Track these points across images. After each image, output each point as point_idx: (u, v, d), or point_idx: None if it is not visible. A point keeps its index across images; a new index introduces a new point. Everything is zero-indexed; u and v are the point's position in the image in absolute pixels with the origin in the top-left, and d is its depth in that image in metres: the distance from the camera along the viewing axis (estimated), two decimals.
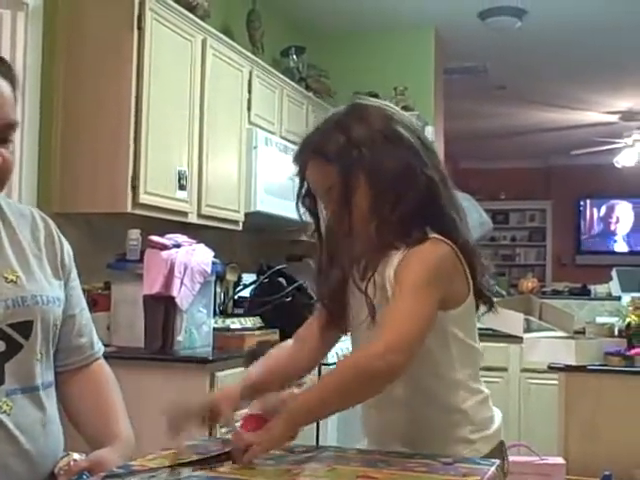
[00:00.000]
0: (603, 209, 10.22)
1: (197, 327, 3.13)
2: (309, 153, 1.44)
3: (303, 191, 1.48)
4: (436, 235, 1.37)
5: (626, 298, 3.61)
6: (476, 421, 1.42)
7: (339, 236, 1.42)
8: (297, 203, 1.49)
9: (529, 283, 6.28)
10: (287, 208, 4.32)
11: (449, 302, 1.37)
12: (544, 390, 4.11)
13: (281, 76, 4.42)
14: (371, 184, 1.38)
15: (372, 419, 1.49)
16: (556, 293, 6.89)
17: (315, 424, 3.96)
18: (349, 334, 1.55)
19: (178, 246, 3.05)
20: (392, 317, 1.30)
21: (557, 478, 1.42)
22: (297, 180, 1.48)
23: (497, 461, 1.24)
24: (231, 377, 3.16)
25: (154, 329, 2.99)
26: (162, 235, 3.09)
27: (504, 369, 4.51)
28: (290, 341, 1.58)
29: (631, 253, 9.69)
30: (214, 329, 3.27)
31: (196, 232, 3.39)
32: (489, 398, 1.47)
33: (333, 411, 1.36)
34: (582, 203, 10.24)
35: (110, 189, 3.05)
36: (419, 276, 1.32)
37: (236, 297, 3.72)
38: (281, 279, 3.72)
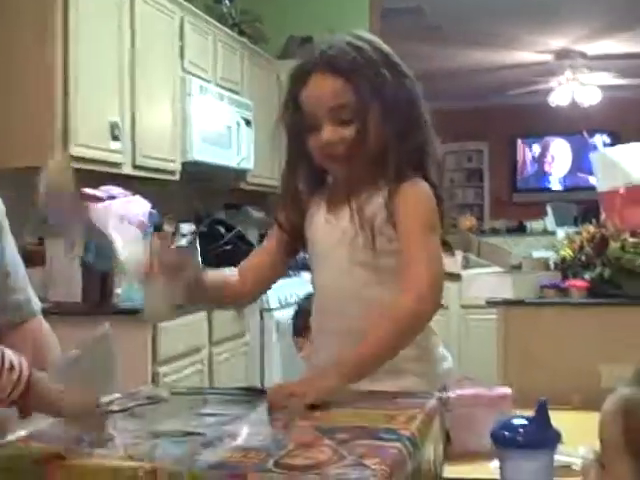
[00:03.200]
0: (538, 148, 10.36)
1: None
2: (323, 65, 1.35)
3: (290, 105, 1.40)
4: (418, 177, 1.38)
5: (561, 233, 3.69)
6: (434, 357, 1.45)
7: (335, 156, 1.37)
8: (279, 119, 1.42)
9: (467, 222, 6.37)
10: (224, 156, 4.28)
11: None
12: (483, 325, 4.20)
13: (214, 22, 4.33)
14: (384, 108, 1.34)
15: (325, 357, 1.46)
16: (494, 231, 7.03)
17: (260, 364, 4.01)
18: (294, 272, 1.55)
19: (113, 198, 2.99)
20: (414, 265, 1.30)
21: (504, 408, 1.47)
22: (288, 94, 1.40)
23: (438, 394, 1.26)
24: (172, 328, 3.15)
25: (91, 283, 2.95)
26: (96, 188, 3.02)
27: (444, 306, 4.59)
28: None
29: (566, 190, 9.88)
30: None
31: (132, 184, 3.33)
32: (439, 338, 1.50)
33: (379, 366, 1.33)
34: (518, 142, 10.37)
35: (41, 142, 2.97)
36: (425, 220, 1.34)
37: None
38: (220, 227, 3.70)
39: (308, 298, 2.37)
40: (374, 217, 1.36)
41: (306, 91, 1.37)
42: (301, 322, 2.30)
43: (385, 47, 1.41)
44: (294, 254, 1.52)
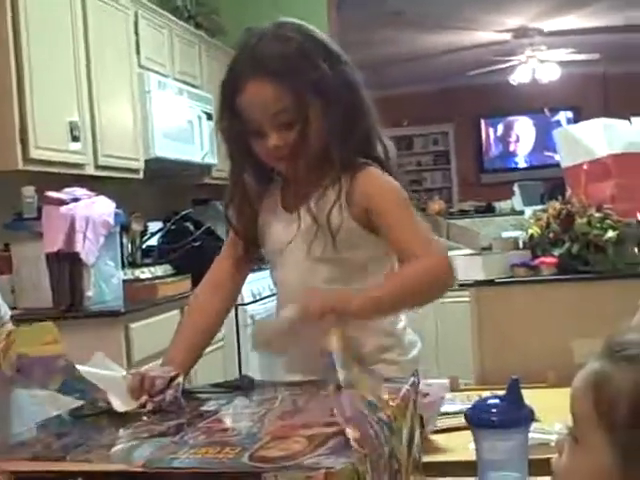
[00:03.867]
0: (502, 128, 10.43)
1: (106, 281, 3.06)
2: (257, 70, 1.28)
3: (225, 117, 1.35)
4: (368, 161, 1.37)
5: (528, 211, 3.72)
6: (404, 344, 1.46)
7: (281, 159, 1.34)
8: (216, 129, 1.40)
9: (436, 205, 6.40)
10: (188, 151, 4.25)
11: None
12: (457, 308, 4.22)
13: (169, 15, 4.28)
14: (324, 104, 1.30)
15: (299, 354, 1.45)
16: (463, 213, 7.05)
17: (237, 358, 4.00)
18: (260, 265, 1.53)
19: (77, 200, 2.95)
20: (414, 237, 1.30)
21: (435, 396, 1.50)
22: (222, 100, 1.35)
23: (412, 378, 1.26)
24: (145, 328, 3.13)
25: (61, 287, 2.91)
26: (59, 190, 2.98)
27: None
28: (199, 292, 1.50)
29: (532, 168, 9.96)
30: (124, 281, 3.21)
31: (95, 184, 3.29)
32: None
33: (401, 310, 1.34)
34: (482, 123, 10.42)
35: None
36: (397, 197, 1.34)
37: (144, 247, 3.65)
38: (188, 224, 3.67)
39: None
40: (330, 212, 1.34)
41: (243, 98, 1.31)
42: None
43: (318, 34, 1.36)
44: (252, 254, 1.49)
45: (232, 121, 1.34)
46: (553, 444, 1.75)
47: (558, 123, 8.69)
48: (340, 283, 1.36)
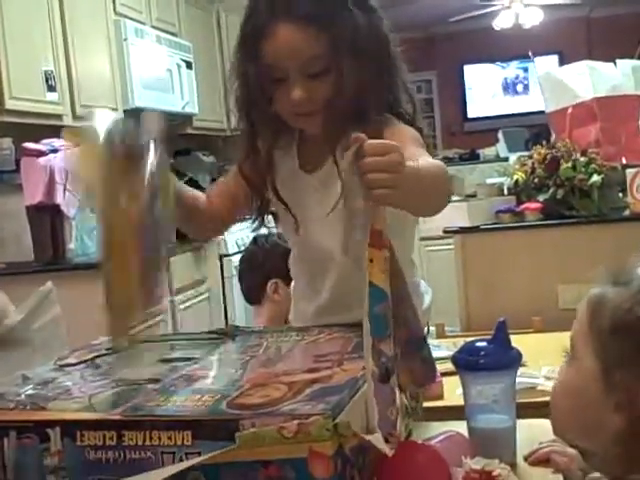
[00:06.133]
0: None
1: (88, 233, 3.03)
2: (287, 13, 1.17)
3: (249, 56, 1.22)
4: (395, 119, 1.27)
5: (513, 158, 3.69)
6: (419, 292, 1.41)
7: (305, 112, 1.23)
8: (231, 73, 1.27)
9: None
10: (168, 101, 4.17)
11: None
12: (443, 255, 4.23)
13: None
14: (359, 54, 1.19)
15: (315, 314, 1.36)
16: (447, 160, 7.01)
17: (223, 308, 3.99)
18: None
19: (55, 151, 2.90)
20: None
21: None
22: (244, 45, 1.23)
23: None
24: None
25: (42, 240, 2.88)
26: (37, 141, 2.92)
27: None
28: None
29: (516, 114, 9.89)
30: None
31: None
32: None
33: (427, 194, 1.07)
34: (465, 70, 10.32)
35: None
36: (418, 141, 1.22)
37: None
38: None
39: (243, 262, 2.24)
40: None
41: (271, 43, 1.19)
42: (250, 286, 2.18)
43: None
44: (260, 210, 1.38)
45: (253, 66, 1.22)
46: (541, 387, 1.77)
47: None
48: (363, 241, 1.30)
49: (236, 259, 3.96)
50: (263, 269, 2.12)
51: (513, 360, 1.03)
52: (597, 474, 0.92)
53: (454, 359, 1.04)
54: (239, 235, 3.98)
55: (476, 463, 0.93)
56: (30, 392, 0.95)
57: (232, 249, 3.98)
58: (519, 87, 10.22)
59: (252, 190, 1.35)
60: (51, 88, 3.12)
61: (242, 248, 4.01)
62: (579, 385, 0.88)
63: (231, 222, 1.48)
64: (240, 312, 3.98)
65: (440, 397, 1.61)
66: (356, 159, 0.87)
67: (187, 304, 3.68)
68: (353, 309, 0.94)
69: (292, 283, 1.47)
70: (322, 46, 1.18)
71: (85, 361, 1.10)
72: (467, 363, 1.02)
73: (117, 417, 0.81)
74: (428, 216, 1.19)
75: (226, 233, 3.91)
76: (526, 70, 9.61)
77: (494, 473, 0.92)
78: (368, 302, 0.84)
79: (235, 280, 3.97)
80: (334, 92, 1.20)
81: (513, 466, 1.03)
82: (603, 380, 0.85)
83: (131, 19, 3.85)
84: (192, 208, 1.34)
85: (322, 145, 1.26)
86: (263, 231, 1.48)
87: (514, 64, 10.10)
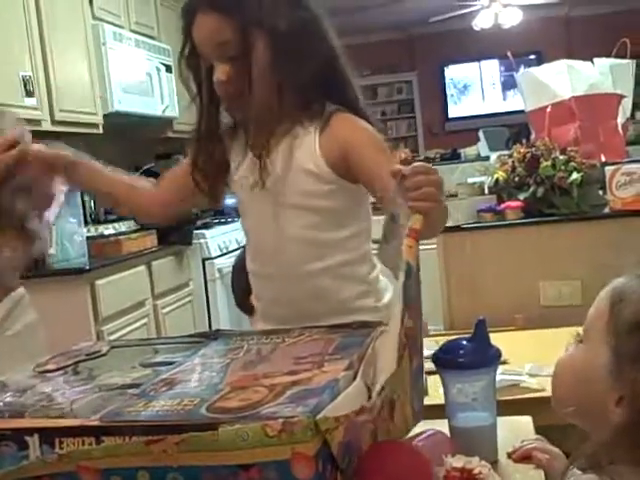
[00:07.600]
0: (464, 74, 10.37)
1: (69, 238, 3.01)
2: (202, 4, 1.31)
3: (187, 51, 1.37)
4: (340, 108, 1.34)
5: (493, 156, 3.71)
6: (379, 291, 1.45)
7: (232, 96, 1.34)
8: (180, 66, 1.40)
9: (402, 154, 6.35)
10: (148, 105, 4.16)
11: None
12: (424, 254, 4.22)
13: None
14: (270, 41, 1.29)
15: (273, 305, 1.44)
16: (429, 160, 7.02)
17: (207, 312, 3.98)
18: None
19: None
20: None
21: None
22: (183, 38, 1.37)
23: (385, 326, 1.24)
24: (112, 285, 3.09)
25: None
26: None
27: (377, 241, 4.59)
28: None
29: (497, 114, 9.94)
30: (88, 238, 3.16)
31: (53, 140, 3.20)
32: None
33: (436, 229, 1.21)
34: (446, 71, 10.36)
35: None
36: (375, 141, 1.33)
37: None
38: (151, 179, 3.61)
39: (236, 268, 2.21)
40: (303, 157, 1.32)
41: (194, 30, 1.33)
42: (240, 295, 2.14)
43: None
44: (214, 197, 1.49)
45: (193, 56, 1.36)
46: (524, 385, 1.78)
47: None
48: (314, 230, 1.35)
49: (219, 262, 3.95)
50: None
51: (492, 358, 1.03)
52: (578, 471, 0.92)
53: (434, 358, 1.05)
54: (221, 238, 3.97)
55: (457, 461, 0.93)
56: (8, 399, 0.94)
57: (215, 252, 3.97)
58: (499, 87, 10.27)
59: (204, 181, 1.44)
60: (29, 93, 3.11)
61: (224, 251, 4.00)
62: (586, 368, 0.90)
63: (182, 207, 1.61)
64: (224, 315, 3.98)
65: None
66: (401, 182, 1.03)
67: (170, 307, 3.67)
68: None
69: None
70: (230, 31, 1.29)
71: (65, 367, 1.10)
72: (446, 362, 1.03)
73: (96, 423, 0.80)
74: (434, 236, 1.33)
75: (209, 236, 3.90)
76: (506, 70, 9.65)
77: (475, 471, 0.92)
78: (404, 274, 0.98)
79: (218, 283, 3.96)
80: (244, 74, 1.29)
81: (494, 463, 1.03)
82: (613, 371, 0.86)
83: (109, 23, 3.83)
84: (114, 190, 1.52)
85: (263, 132, 1.33)
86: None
87: (494, 63, 10.14)
